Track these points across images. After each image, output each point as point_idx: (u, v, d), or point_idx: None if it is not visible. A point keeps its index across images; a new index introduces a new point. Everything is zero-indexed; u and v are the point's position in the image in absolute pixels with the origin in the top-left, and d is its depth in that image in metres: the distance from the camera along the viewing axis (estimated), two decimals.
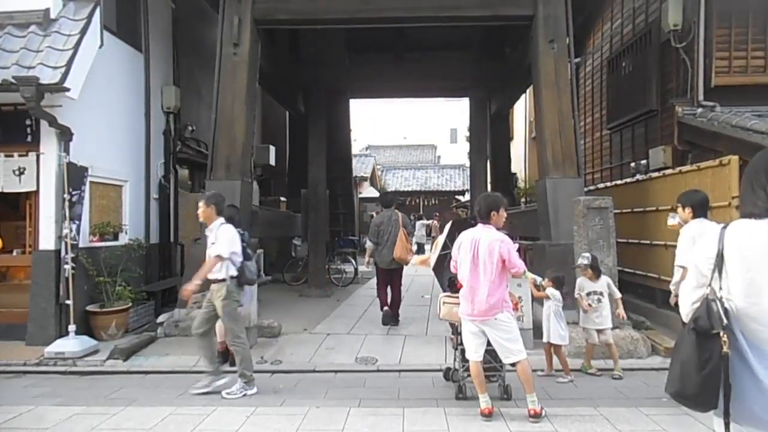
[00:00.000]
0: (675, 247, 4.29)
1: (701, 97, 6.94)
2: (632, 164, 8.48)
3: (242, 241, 4.57)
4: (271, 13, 6.85)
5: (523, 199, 13.73)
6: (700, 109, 6.83)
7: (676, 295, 4.10)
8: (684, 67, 7.18)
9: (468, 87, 11.09)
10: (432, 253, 4.87)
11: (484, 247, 3.59)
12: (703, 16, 6.87)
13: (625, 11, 9.21)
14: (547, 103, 6.50)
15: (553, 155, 6.52)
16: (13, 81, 5.12)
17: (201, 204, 4.48)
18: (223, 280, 4.33)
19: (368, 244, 7.03)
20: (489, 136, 11.57)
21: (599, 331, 4.77)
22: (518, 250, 3.94)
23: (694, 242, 3.97)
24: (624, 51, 9.02)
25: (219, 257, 4.27)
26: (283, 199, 12.09)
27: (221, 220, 4.46)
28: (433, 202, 28.56)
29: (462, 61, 10.63)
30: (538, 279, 4.69)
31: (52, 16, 5.76)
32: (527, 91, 10.86)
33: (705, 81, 6.93)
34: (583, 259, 4.82)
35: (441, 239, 4.76)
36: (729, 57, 6.87)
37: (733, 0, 6.86)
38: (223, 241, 4.30)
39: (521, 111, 15.83)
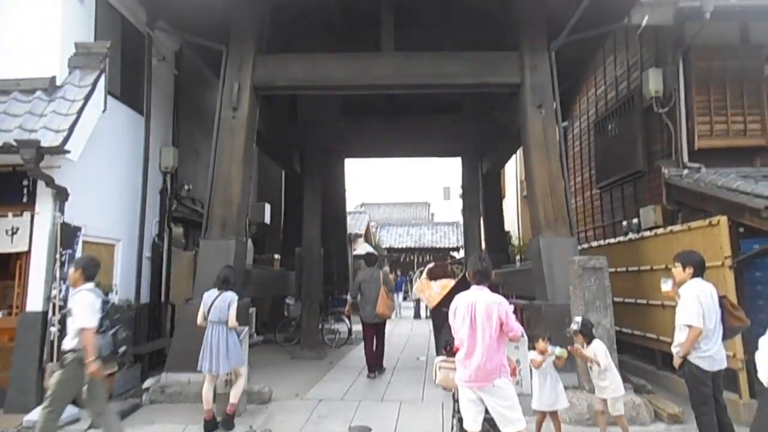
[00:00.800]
0: (672, 306, 4.26)
1: (686, 159, 7.16)
2: (624, 223, 8.59)
3: (102, 310, 4.05)
4: (270, 80, 7.13)
5: (517, 257, 13.75)
6: (685, 171, 7.03)
7: (681, 357, 4.06)
8: (667, 130, 7.45)
9: (459, 148, 11.41)
10: (434, 289, 4.82)
11: (481, 310, 3.55)
12: (683, 84, 7.22)
13: (608, 78, 9.67)
14: (537, 165, 6.67)
15: (545, 215, 6.60)
16: (14, 144, 5.21)
17: (71, 269, 4.21)
18: (72, 350, 3.94)
19: (349, 299, 8.33)
20: (481, 195, 11.76)
21: (605, 401, 4.53)
22: (514, 311, 3.90)
23: (699, 302, 3.96)
24: (609, 115, 9.38)
25: (85, 330, 3.86)
26: (277, 256, 12.04)
27: (86, 285, 4.09)
28: (428, 258, 28.49)
29: (453, 123, 10.99)
30: (558, 350, 4.42)
31: (58, 82, 5.96)
32: (518, 151, 11.16)
33: (689, 144, 7.18)
34: (574, 324, 4.68)
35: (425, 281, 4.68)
36: (710, 121, 7.16)
37: (710, 69, 7.24)
38: (82, 310, 3.91)
39: (512, 170, 16.19)
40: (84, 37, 6.49)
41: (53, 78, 5.93)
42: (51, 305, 5.58)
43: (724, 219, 5.62)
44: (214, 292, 5.28)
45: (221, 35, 7.27)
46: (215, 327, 5.11)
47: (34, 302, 5.64)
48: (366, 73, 6.99)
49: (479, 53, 7.05)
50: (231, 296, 5.23)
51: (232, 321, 5.13)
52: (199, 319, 5.26)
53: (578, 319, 4.77)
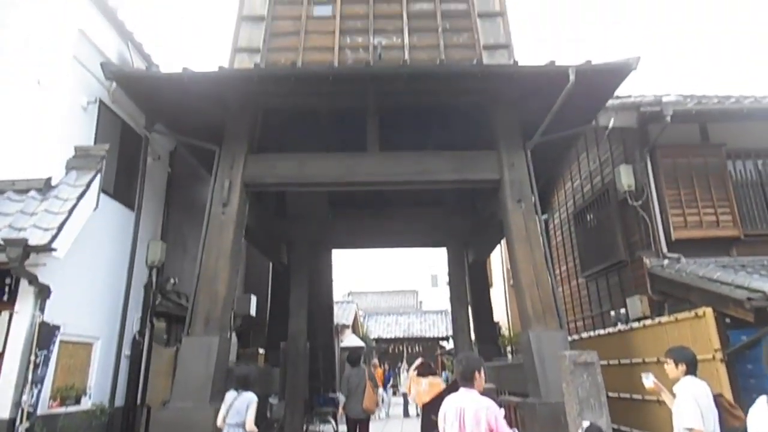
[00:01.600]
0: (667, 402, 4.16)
1: (665, 249, 7.38)
2: (612, 313, 8.60)
3: None
4: (260, 177, 7.40)
5: (508, 348, 13.46)
6: (666, 261, 7.21)
7: None
8: (644, 222, 7.75)
9: (444, 238, 11.60)
10: (423, 386, 4.70)
11: (470, 416, 3.43)
12: (653, 179, 7.65)
13: (583, 173, 10.19)
14: (521, 258, 6.80)
15: (533, 307, 6.61)
16: (1, 243, 5.22)
17: None
18: None
19: (341, 398, 8.36)
20: (468, 284, 11.75)
21: None
22: (507, 408, 3.77)
23: (697, 403, 3.87)
24: (587, 206, 9.76)
25: None
26: (261, 351, 11.62)
27: None
28: (417, 349, 27.70)
29: (437, 215, 11.29)
30: None
31: (54, 183, 6.12)
32: (502, 241, 11.38)
33: (666, 235, 7.44)
34: (580, 430, 4.51)
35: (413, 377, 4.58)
36: (683, 214, 7.49)
37: (676, 165, 7.72)
38: None
39: (498, 258, 16.35)
40: (84, 140, 6.79)
41: (49, 179, 6.09)
42: (19, 411, 5.25)
43: (709, 311, 5.68)
44: (233, 393, 5.11)
45: (214, 136, 7.64)
46: (232, 431, 4.92)
47: (2, 409, 5.31)
48: (352, 171, 7.30)
49: (460, 152, 7.45)
50: (250, 398, 5.06)
51: (250, 425, 4.93)
52: (219, 421, 5.07)
53: (586, 424, 4.57)
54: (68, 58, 6.58)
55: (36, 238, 5.35)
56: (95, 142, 7.03)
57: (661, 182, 7.60)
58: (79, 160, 6.37)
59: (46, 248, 5.35)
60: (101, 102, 7.27)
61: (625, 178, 7.85)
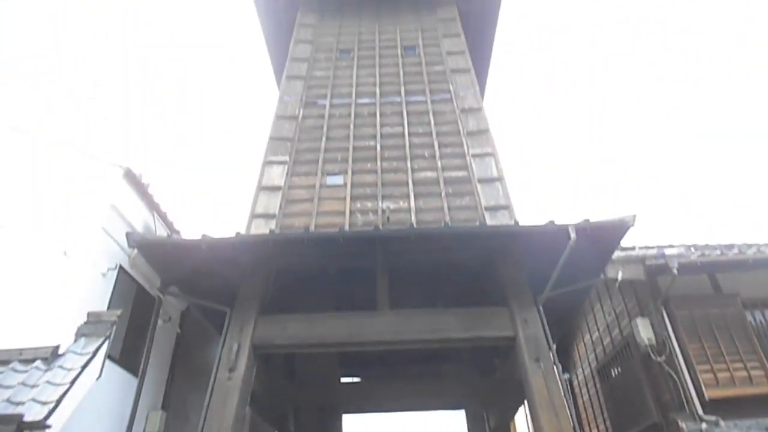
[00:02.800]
0: None
1: (700, 410, 6.82)
2: None
3: None
4: (269, 339, 7.29)
5: None
6: (704, 425, 6.62)
7: None
8: (672, 379, 7.29)
9: (462, 400, 10.88)
10: None
11: None
12: (672, 332, 7.40)
13: (600, 325, 9.92)
14: (546, 426, 6.28)
15: None
16: None
17: None
18: None
19: None
20: None
21: None
22: None
23: None
24: (610, 361, 9.29)
25: None
26: None
27: None
28: None
29: (453, 375, 10.78)
30: None
31: (62, 350, 6.07)
32: (525, 402, 10.62)
33: (698, 394, 6.93)
34: None
35: None
36: (712, 370, 7.07)
37: (693, 317, 7.52)
38: None
39: (523, 421, 15.06)
40: (99, 305, 6.92)
41: (56, 347, 6.05)
42: None
43: None
44: None
45: (227, 297, 7.74)
46: None
47: None
48: (362, 331, 7.20)
49: (471, 309, 7.40)
50: None
51: None
52: None
53: None
54: (97, 231, 7.05)
55: (33, 413, 5.11)
56: (109, 306, 7.14)
57: (682, 336, 7.33)
58: (90, 326, 6.40)
59: (41, 425, 5.08)
60: (120, 267, 7.57)
61: (644, 331, 7.61)
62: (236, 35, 45.24)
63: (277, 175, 9.30)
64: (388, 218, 8.26)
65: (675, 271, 7.23)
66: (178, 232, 8.68)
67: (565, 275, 7.23)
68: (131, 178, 7.85)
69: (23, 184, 7.50)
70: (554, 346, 7.12)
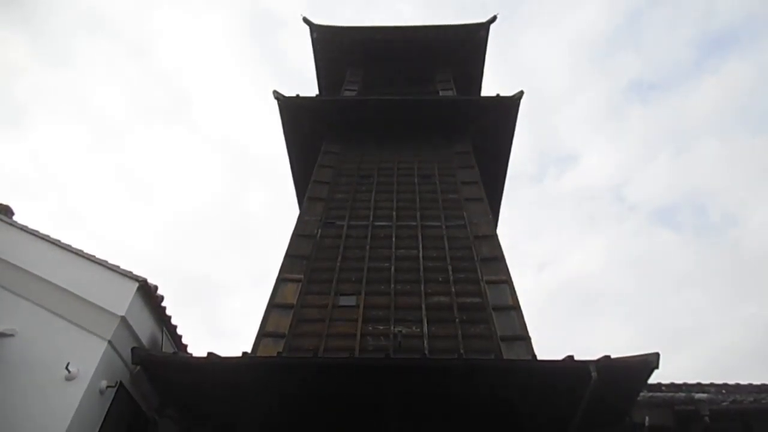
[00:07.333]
0: None
1: None
2: None
3: None
4: None
5: None
6: None
7: None
8: None
9: None
10: None
11: None
12: None
13: None
14: None
15: None
16: None
17: None
18: None
19: None
20: None
21: None
22: None
23: None
24: None
25: None
26: None
27: None
28: None
29: None
30: None
31: None
32: None
33: None
34: None
35: None
36: None
37: None
38: None
39: None
40: (92, 426, 6.52)
41: None
42: None
43: None
44: None
45: (226, 424, 7.29)
46: None
47: None
48: None
49: None
50: None
51: None
52: None
53: None
54: (102, 345, 6.89)
55: None
56: (101, 427, 6.73)
57: None
58: None
59: None
60: (120, 384, 7.26)
61: None
62: (259, 151, 47.90)
63: (291, 293, 9.27)
64: (400, 344, 8.02)
65: (707, 419, 6.73)
66: (185, 347, 8.47)
67: (587, 418, 6.73)
68: (145, 291, 7.84)
69: (41, 287, 7.41)
70: None
